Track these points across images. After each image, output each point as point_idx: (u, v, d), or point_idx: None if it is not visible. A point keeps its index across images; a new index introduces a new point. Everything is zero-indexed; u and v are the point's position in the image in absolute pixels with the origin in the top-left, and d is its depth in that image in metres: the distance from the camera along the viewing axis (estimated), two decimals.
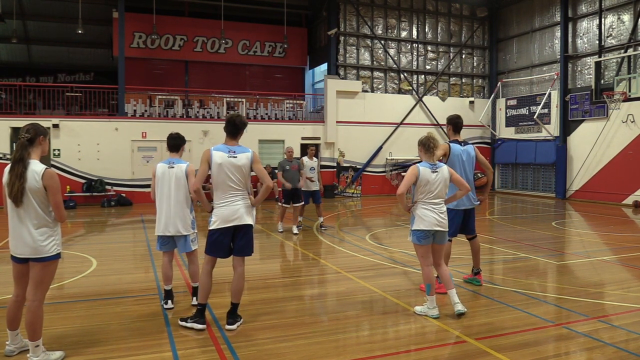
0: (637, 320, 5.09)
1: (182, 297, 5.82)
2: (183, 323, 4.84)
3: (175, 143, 5.50)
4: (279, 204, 11.33)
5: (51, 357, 3.97)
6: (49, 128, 16.07)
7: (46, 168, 3.85)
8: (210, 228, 4.76)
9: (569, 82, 18.72)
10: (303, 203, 10.90)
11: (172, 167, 5.35)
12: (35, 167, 3.82)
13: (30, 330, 3.88)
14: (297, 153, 18.01)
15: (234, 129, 4.82)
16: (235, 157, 4.70)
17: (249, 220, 4.79)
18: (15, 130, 16.09)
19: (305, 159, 11.11)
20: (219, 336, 4.62)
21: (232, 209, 4.71)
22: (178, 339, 4.54)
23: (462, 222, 6.13)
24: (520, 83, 21.14)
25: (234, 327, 4.82)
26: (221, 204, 4.73)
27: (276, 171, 10.44)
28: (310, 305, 5.85)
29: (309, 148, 11.43)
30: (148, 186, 17.13)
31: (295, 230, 10.59)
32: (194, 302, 5.37)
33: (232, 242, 4.83)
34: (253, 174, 4.85)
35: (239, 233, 4.79)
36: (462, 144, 6.14)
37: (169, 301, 5.48)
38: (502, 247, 9.18)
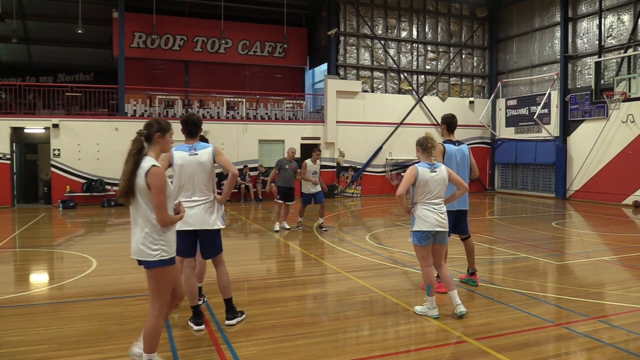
0: (637, 320, 5.09)
1: None
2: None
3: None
4: (275, 200, 11.32)
5: None
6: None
7: (153, 165, 3.54)
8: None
9: (569, 82, 18.72)
10: (303, 204, 10.93)
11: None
12: (144, 164, 3.55)
13: (144, 340, 3.67)
14: (297, 153, 18.02)
15: (194, 127, 4.76)
16: (197, 153, 4.65)
17: (210, 224, 4.68)
18: (15, 130, 16.17)
19: (308, 162, 10.70)
20: (219, 336, 4.62)
21: (192, 212, 4.61)
22: (178, 339, 4.54)
23: (452, 223, 5.97)
24: (520, 83, 21.13)
25: (233, 322, 4.84)
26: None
27: (267, 175, 10.45)
28: (310, 305, 5.85)
29: (315, 152, 10.85)
30: None
31: (286, 225, 10.70)
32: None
33: (200, 244, 4.80)
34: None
35: (204, 239, 4.74)
36: (456, 144, 6.12)
37: None
38: (502, 247, 9.18)
